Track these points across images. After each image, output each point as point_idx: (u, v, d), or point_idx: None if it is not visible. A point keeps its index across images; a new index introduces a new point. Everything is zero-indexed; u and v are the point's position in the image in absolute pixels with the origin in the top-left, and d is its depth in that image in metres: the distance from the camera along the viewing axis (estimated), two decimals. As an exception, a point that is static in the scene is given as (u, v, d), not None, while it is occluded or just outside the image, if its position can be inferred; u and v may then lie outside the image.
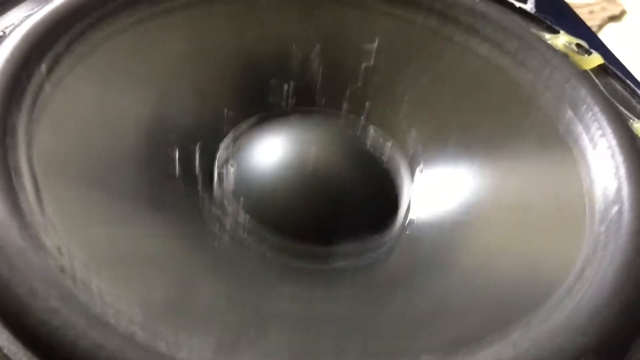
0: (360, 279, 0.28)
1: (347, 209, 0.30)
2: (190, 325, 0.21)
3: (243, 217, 0.29)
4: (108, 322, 0.20)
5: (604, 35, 0.59)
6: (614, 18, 0.61)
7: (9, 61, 0.26)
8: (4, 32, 0.28)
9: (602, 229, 0.26)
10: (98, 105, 0.28)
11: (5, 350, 0.20)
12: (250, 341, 0.22)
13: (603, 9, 0.62)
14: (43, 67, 0.26)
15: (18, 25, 0.28)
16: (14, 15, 0.29)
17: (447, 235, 0.29)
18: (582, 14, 0.59)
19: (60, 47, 0.27)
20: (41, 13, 0.28)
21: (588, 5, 0.62)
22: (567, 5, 0.39)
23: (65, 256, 0.22)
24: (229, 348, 0.21)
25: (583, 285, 0.24)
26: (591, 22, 0.59)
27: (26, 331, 0.20)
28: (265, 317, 0.24)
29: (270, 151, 0.31)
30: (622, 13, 0.62)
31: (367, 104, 0.33)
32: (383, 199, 0.31)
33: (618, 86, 0.34)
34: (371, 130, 0.33)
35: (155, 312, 0.21)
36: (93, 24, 0.29)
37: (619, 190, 0.27)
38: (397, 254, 0.29)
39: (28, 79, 0.26)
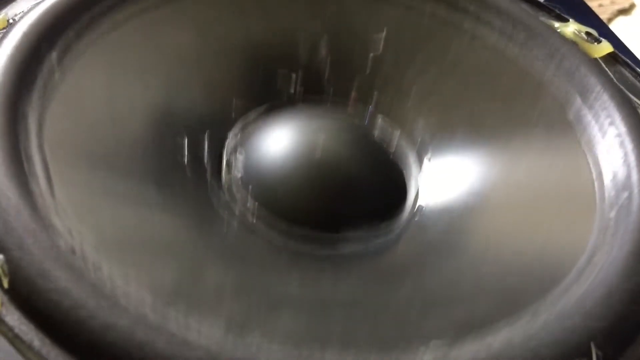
0: (369, 265, 0.28)
1: (355, 196, 0.30)
2: (199, 308, 0.21)
3: (252, 204, 0.29)
4: (118, 303, 0.20)
5: (613, 29, 0.59)
6: (623, 11, 0.61)
7: (18, 48, 0.26)
8: (14, 20, 0.28)
9: (612, 215, 0.26)
10: (107, 92, 0.28)
11: (16, 331, 0.20)
12: (259, 324, 0.22)
13: (612, 2, 0.61)
14: (53, 54, 0.26)
15: (27, 12, 0.28)
16: (24, 3, 0.29)
17: (456, 221, 0.29)
18: (592, 7, 0.59)
19: (70, 34, 0.27)
20: (50, 0, 0.28)
21: (598, -2, 0.61)
22: (576, -5, 0.39)
23: (76, 239, 0.22)
24: (238, 330, 0.21)
25: (593, 270, 0.24)
26: (601, 15, 0.59)
27: (37, 312, 0.20)
28: (274, 301, 0.24)
29: (279, 139, 0.31)
30: (632, 6, 0.61)
31: (375, 93, 0.33)
32: (391, 186, 0.31)
33: (628, 74, 0.33)
34: (379, 119, 0.33)
35: (165, 296, 0.22)
36: (102, 12, 0.29)
37: (628, 177, 0.27)
38: (406, 240, 0.29)
39: (38, 65, 0.26)
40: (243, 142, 0.31)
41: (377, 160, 0.32)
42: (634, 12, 0.61)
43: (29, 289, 0.20)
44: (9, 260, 0.21)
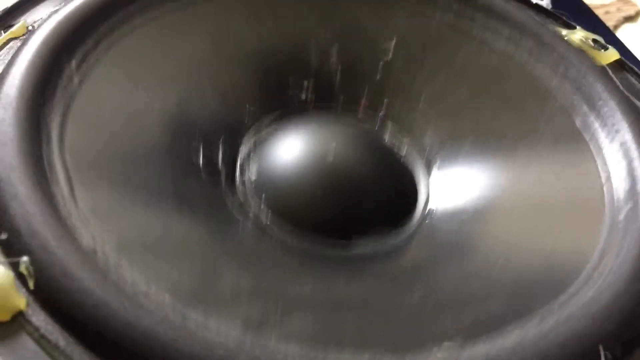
0: (381, 266, 0.28)
1: (367, 201, 0.30)
2: (217, 309, 0.22)
3: (265, 209, 0.29)
4: (140, 303, 0.21)
5: (620, 36, 0.59)
6: (629, 18, 0.61)
7: (38, 55, 0.27)
8: (33, 26, 0.29)
9: (620, 219, 0.27)
10: (124, 98, 0.29)
11: (42, 331, 0.20)
12: (275, 324, 0.23)
13: (619, 9, 0.62)
14: (72, 61, 0.27)
15: (46, 19, 0.28)
16: (42, 10, 0.30)
17: (466, 224, 0.29)
18: (598, 14, 0.59)
19: (88, 41, 0.28)
20: (68, 7, 0.28)
21: (603, 5, 0.62)
22: (583, 3, 0.40)
23: (98, 241, 0.22)
24: (255, 330, 0.21)
25: (602, 273, 0.25)
26: (607, 22, 0.60)
27: (62, 312, 0.20)
28: (289, 302, 0.24)
29: (291, 145, 0.31)
30: (638, 14, 0.62)
31: (385, 100, 0.33)
32: (402, 194, 0.31)
33: (634, 81, 0.34)
34: (389, 126, 0.33)
35: (184, 297, 0.22)
36: (120, 20, 0.29)
37: (635, 183, 0.28)
38: (417, 242, 0.29)
39: (58, 72, 0.27)
40: (256, 148, 0.31)
41: (388, 168, 0.32)
42: (640, 19, 0.61)
43: (54, 289, 0.21)
44: (33, 261, 0.21)
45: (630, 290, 0.24)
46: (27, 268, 0.21)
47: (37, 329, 0.20)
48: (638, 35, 0.60)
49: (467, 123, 0.32)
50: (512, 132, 0.32)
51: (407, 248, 0.29)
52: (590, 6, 0.50)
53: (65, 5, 0.29)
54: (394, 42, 0.33)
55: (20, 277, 0.21)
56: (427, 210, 0.31)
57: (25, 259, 0.21)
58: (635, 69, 0.35)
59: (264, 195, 0.29)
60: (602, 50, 0.34)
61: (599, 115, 0.30)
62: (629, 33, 0.60)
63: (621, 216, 0.27)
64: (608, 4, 0.62)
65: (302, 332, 0.23)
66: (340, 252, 0.28)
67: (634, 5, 0.62)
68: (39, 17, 0.29)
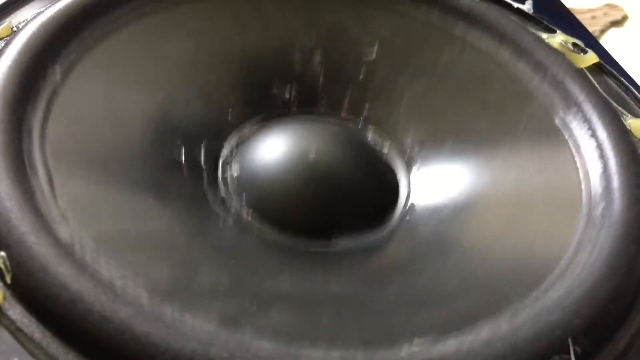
0: (359, 262, 0.29)
1: (347, 199, 0.31)
2: (193, 304, 0.22)
3: (246, 210, 0.30)
4: (116, 297, 0.21)
5: (606, 40, 0.60)
6: (616, 23, 0.62)
7: (21, 55, 0.27)
8: (17, 27, 0.29)
9: (596, 215, 0.27)
10: (106, 99, 0.29)
11: (18, 324, 0.21)
12: (252, 318, 0.23)
13: (605, 14, 0.62)
14: (55, 62, 0.27)
15: (30, 20, 0.29)
16: (28, 11, 0.30)
17: (446, 222, 0.30)
18: (585, 19, 0.60)
19: (71, 42, 0.28)
20: (52, 9, 0.29)
21: (590, 10, 0.62)
22: (564, 7, 0.40)
23: (76, 238, 0.22)
24: (230, 324, 0.22)
25: (576, 269, 0.25)
26: (594, 27, 0.60)
27: (38, 305, 0.21)
28: (266, 296, 0.25)
29: (274, 144, 0.32)
30: (624, 18, 0.62)
31: (367, 105, 0.34)
32: (382, 189, 0.32)
33: (613, 84, 0.34)
34: (371, 126, 0.33)
35: (161, 292, 0.22)
36: (104, 22, 0.30)
37: (610, 182, 0.28)
38: (397, 239, 0.30)
39: (40, 73, 0.27)
40: (239, 146, 0.32)
41: (369, 167, 0.32)
42: (627, 23, 0.62)
43: (31, 283, 0.21)
44: (11, 256, 0.21)
45: (602, 286, 0.24)
46: (4, 262, 0.21)
47: (13, 322, 0.21)
48: (625, 40, 0.60)
49: (449, 123, 0.33)
50: (492, 131, 0.32)
51: (386, 245, 0.29)
52: (577, 11, 0.50)
53: (49, 6, 0.29)
54: (376, 45, 0.34)
55: (-3, 271, 0.21)
56: (407, 208, 0.31)
57: (2, 253, 0.21)
58: (614, 72, 0.35)
59: (245, 192, 0.30)
60: (582, 54, 0.34)
61: (577, 115, 0.31)
62: (616, 38, 0.60)
63: (597, 212, 0.27)
64: (595, 8, 0.62)
65: (277, 328, 0.23)
66: (320, 248, 0.29)
67: (621, 10, 0.63)
68: (24, 19, 0.30)
